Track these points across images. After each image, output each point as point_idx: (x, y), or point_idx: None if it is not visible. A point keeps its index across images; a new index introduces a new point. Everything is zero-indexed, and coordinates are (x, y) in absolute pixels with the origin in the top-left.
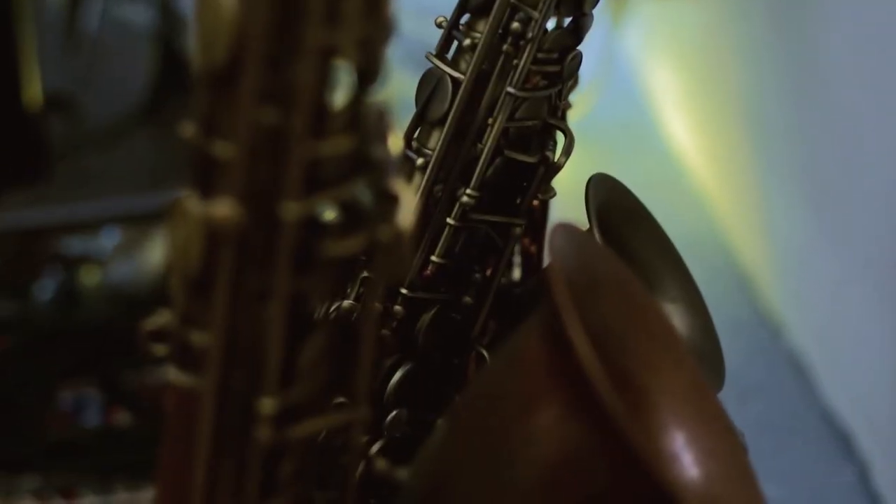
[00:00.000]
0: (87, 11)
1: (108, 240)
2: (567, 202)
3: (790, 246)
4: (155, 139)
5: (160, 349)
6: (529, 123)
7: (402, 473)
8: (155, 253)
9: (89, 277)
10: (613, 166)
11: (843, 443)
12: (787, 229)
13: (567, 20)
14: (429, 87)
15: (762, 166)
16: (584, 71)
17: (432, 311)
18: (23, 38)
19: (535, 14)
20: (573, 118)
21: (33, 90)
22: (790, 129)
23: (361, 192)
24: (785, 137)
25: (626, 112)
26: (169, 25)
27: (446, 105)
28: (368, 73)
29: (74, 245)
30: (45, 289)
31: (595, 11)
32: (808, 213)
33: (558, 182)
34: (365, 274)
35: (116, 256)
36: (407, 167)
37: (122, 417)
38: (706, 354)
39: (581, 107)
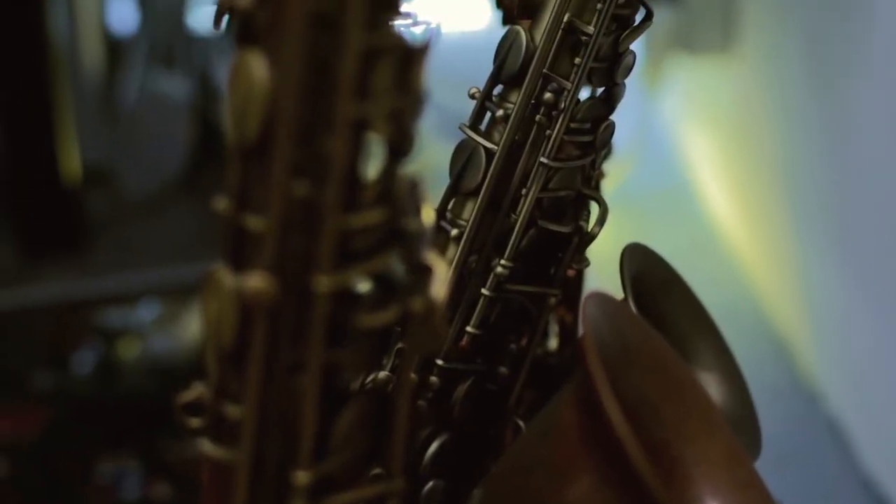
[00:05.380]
0: (124, 84)
1: (147, 312)
2: (603, 271)
3: (827, 312)
4: (193, 211)
5: (195, 422)
6: (563, 193)
7: None
8: (193, 325)
9: (128, 350)
10: (650, 234)
11: None
12: (824, 296)
13: (599, 90)
14: (462, 157)
15: (799, 233)
16: (620, 139)
17: (468, 382)
18: (61, 111)
19: (568, 84)
20: (609, 186)
21: (72, 163)
22: (826, 196)
23: (394, 264)
24: (821, 204)
25: (661, 179)
26: (206, 97)
27: (480, 176)
28: (400, 146)
29: (113, 317)
30: (85, 361)
31: (630, 79)
32: (845, 279)
33: (594, 251)
34: (400, 345)
35: (155, 329)
36: (441, 238)
37: (162, 489)
38: (742, 422)
39: (617, 174)
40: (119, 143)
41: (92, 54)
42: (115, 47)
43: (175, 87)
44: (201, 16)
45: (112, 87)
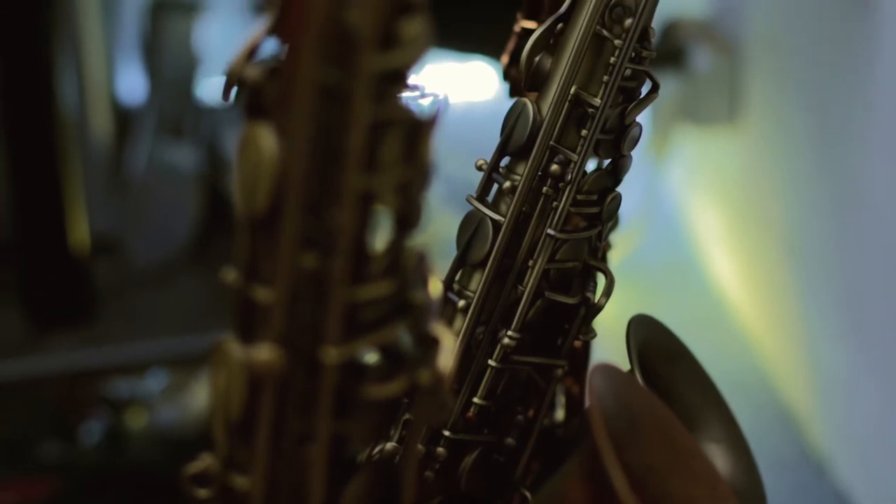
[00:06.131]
0: (132, 154)
1: (155, 382)
2: (610, 342)
3: (834, 383)
4: (201, 281)
5: (203, 493)
6: (570, 265)
7: None
8: (201, 395)
9: (136, 420)
10: (656, 305)
11: None
12: (830, 366)
13: (606, 162)
14: (470, 229)
15: (805, 303)
16: (627, 209)
17: (475, 453)
18: (69, 181)
19: (574, 156)
20: (617, 257)
21: (80, 233)
22: (833, 266)
23: (402, 336)
24: (827, 274)
25: (668, 250)
26: (214, 168)
27: (487, 247)
28: (408, 218)
29: (121, 387)
30: (92, 431)
31: (637, 149)
32: (851, 350)
33: (601, 322)
34: (407, 416)
35: (163, 399)
36: (448, 309)
37: None
38: (749, 494)
39: (624, 245)
40: (127, 212)
41: (100, 124)
42: (124, 117)
43: (183, 157)
44: (210, 87)
45: (120, 156)
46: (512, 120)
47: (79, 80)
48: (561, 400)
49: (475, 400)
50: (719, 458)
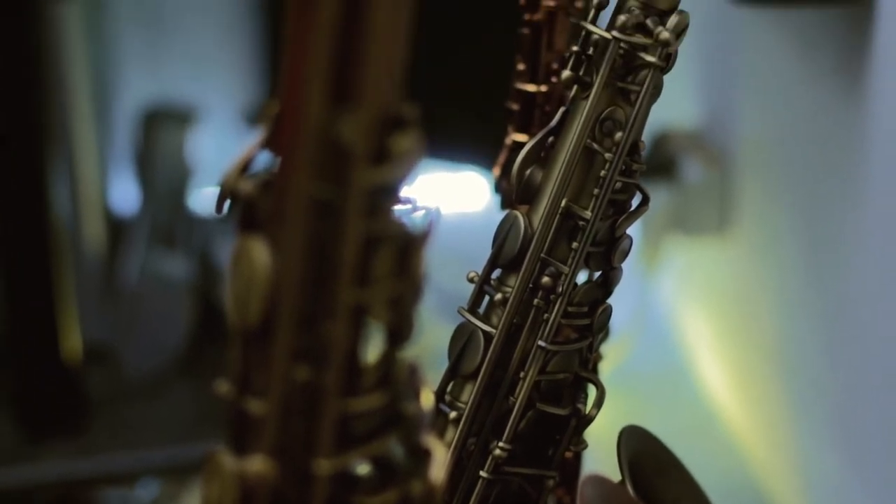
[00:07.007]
0: (125, 264)
1: (146, 492)
2: (601, 452)
3: (826, 495)
4: (193, 391)
5: None
6: (561, 376)
7: None
8: None
9: None
10: (647, 415)
11: None
12: (822, 478)
13: (597, 274)
14: (461, 340)
15: (797, 414)
16: (618, 320)
17: None
18: (62, 290)
19: (565, 269)
20: (607, 368)
21: (72, 342)
22: (824, 377)
23: (394, 447)
24: (819, 385)
25: (659, 360)
26: (206, 278)
27: (478, 359)
28: (400, 331)
29: (113, 497)
30: None
31: (629, 260)
32: (843, 461)
33: (592, 432)
34: None
35: None
36: (440, 421)
37: None
38: None
39: (615, 356)
40: (120, 322)
41: (93, 234)
42: (117, 227)
43: (176, 267)
44: (202, 198)
45: (113, 266)
46: (503, 232)
47: (72, 189)
48: None
49: None
50: None
